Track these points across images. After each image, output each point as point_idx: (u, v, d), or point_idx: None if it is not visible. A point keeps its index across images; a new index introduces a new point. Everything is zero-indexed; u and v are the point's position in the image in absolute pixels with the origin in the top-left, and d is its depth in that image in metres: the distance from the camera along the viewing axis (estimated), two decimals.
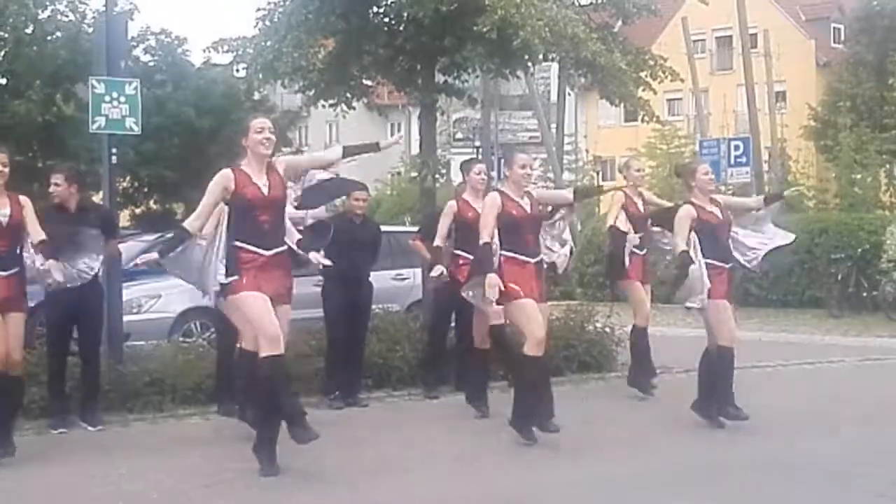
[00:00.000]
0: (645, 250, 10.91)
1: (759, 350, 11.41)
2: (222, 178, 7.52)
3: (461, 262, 9.87)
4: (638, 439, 9.05)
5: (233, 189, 7.48)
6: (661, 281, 12.08)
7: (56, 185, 9.36)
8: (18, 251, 8.23)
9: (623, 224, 10.79)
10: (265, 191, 7.53)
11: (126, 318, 11.07)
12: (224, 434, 8.75)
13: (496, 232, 8.32)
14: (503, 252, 8.35)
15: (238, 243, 7.48)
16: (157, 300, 13.21)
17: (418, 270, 12.93)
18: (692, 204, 9.19)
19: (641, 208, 10.98)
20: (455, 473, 7.86)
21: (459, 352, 10.67)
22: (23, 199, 8.28)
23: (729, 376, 9.18)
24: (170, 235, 7.87)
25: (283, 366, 7.52)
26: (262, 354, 7.39)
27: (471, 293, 8.46)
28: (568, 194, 9.26)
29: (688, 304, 9.01)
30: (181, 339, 12.36)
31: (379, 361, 11.19)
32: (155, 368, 10.26)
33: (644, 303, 10.93)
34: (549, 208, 8.98)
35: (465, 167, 10.35)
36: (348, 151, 8.20)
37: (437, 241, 10.05)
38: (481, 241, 8.33)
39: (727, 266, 9.19)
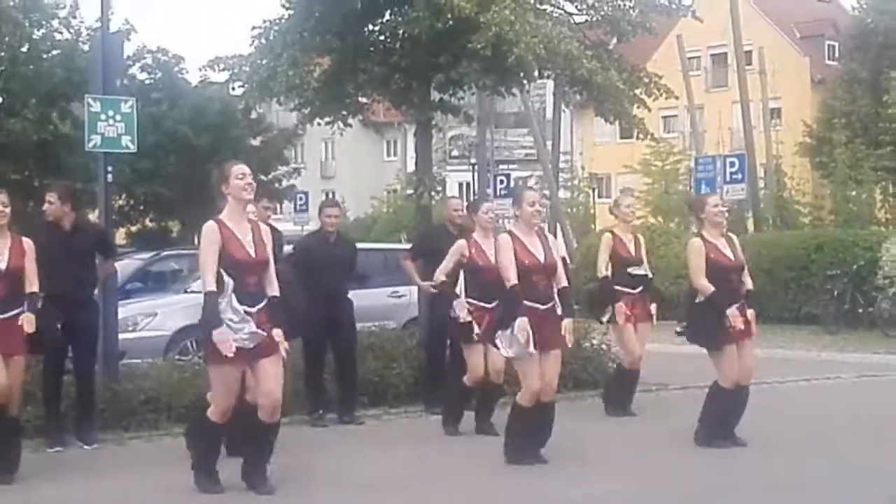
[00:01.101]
0: (640, 288, 10.79)
1: (756, 367, 11.33)
2: (212, 234, 7.34)
3: (473, 310, 9.57)
4: (634, 457, 9.02)
5: (221, 245, 7.31)
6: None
7: (50, 202, 9.33)
8: (19, 293, 8.09)
9: (604, 268, 10.72)
10: (252, 252, 7.39)
11: (122, 336, 11.05)
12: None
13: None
14: None
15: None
16: (152, 318, 13.23)
17: (415, 288, 12.92)
18: (702, 238, 8.98)
19: (632, 250, 10.82)
20: (451, 491, 7.83)
21: (453, 370, 10.61)
22: (27, 242, 8.21)
23: (740, 411, 9.11)
24: (204, 307, 7.38)
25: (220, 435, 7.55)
26: (213, 419, 7.45)
27: (500, 342, 8.25)
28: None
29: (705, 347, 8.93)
30: (177, 357, 12.37)
31: (375, 379, 11.17)
32: (151, 386, 10.23)
33: (630, 345, 10.76)
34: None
35: (473, 207, 10.18)
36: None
37: (440, 275, 9.83)
38: (508, 285, 8.17)
39: (738, 307, 8.90)
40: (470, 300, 9.61)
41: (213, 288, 7.21)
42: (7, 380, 7.92)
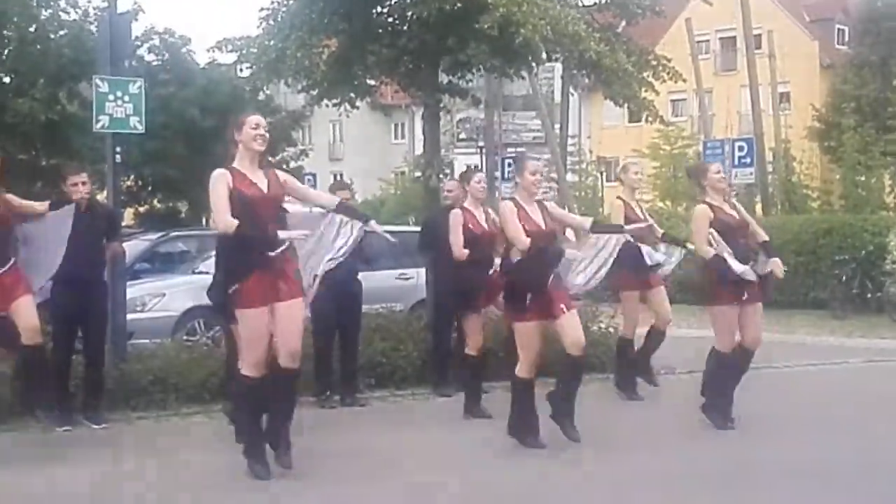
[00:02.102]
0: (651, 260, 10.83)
1: (763, 351, 11.31)
2: (221, 176, 7.36)
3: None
4: (641, 440, 9.03)
5: (230, 185, 7.32)
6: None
7: (83, 183, 9.30)
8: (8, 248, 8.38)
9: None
10: (264, 189, 7.44)
11: (130, 316, 11.09)
12: (228, 433, 8.73)
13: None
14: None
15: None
16: (160, 299, 13.26)
17: (422, 270, 12.93)
18: (707, 204, 9.09)
19: (640, 214, 10.91)
20: (458, 473, 7.84)
21: (460, 353, 10.64)
22: (9, 197, 8.47)
23: (738, 377, 9.17)
24: (255, 239, 7.36)
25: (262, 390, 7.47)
26: (246, 373, 7.42)
27: (568, 280, 8.35)
28: (585, 223, 8.86)
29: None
30: (185, 337, 12.39)
31: (382, 361, 11.20)
32: (159, 367, 10.27)
33: (631, 314, 10.94)
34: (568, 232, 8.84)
35: (465, 176, 10.36)
36: (341, 208, 7.82)
37: (457, 253, 9.87)
38: (522, 248, 8.17)
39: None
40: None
41: (235, 222, 7.20)
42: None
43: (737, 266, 8.79)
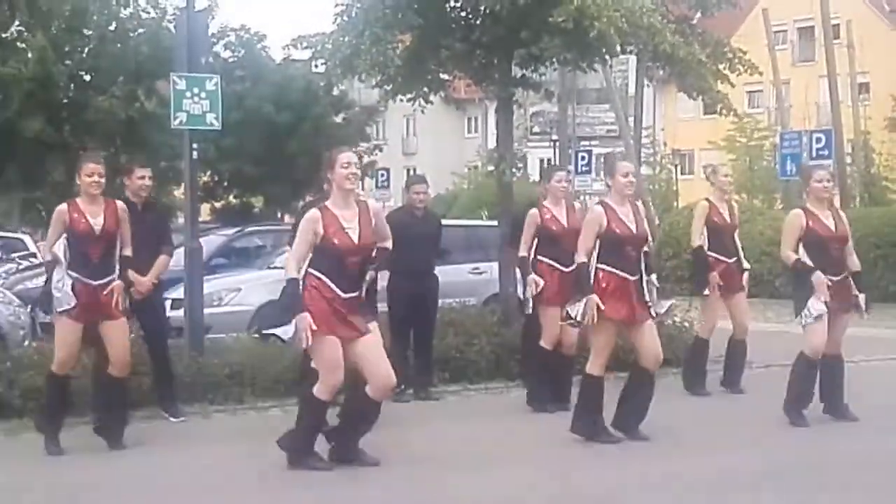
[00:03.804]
0: (734, 258, 10.80)
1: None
2: (311, 223, 7.45)
3: (543, 268, 9.83)
4: (718, 435, 8.97)
5: (322, 233, 7.42)
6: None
7: (149, 178, 9.44)
8: (113, 260, 8.29)
9: (698, 237, 10.68)
10: (355, 237, 7.47)
11: (207, 310, 11.23)
12: None
13: (596, 245, 8.26)
14: (601, 266, 8.28)
15: (316, 274, 7.42)
16: (237, 293, 13.41)
17: (495, 265, 12.92)
18: (804, 210, 8.94)
19: (727, 217, 10.83)
20: (528, 468, 7.83)
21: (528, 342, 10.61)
22: (120, 206, 8.42)
23: (833, 384, 9.12)
24: (284, 291, 7.64)
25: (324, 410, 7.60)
26: (318, 396, 7.50)
27: (570, 312, 8.35)
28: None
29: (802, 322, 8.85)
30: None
31: (456, 355, 11.22)
32: (235, 361, 10.39)
33: (711, 315, 10.85)
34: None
35: (546, 174, 10.35)
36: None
37: (523, 252, 9.96)
38: (578, 261, 8.29)
39: (837, 279, 8.90)
40: (543, 259, 9.83)
41: (295, 275, 7.35)
42: (125, 350, 8.27)
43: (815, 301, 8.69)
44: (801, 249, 8.81)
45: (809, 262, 8.76)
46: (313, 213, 7.51)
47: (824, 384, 9.09)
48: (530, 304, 9.89)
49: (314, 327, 7.24)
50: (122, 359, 8.30)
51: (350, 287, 7.46)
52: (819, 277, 8.69)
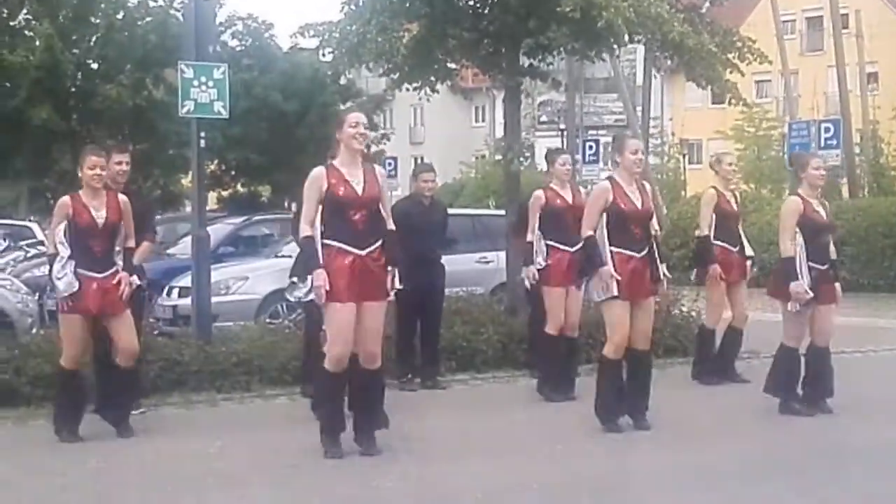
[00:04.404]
0: (738, 247, 10.78)
1: (850, 335, 11.18)
2: (316, 179, 7.49)
3: (551, 250, 9.85)
4: (725, 424, 8.98)
5: (325, 188, 7.44)
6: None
7: (127, 164, 9.02)
8: (115, 252, 8.28)
9: (706, 226, 10.67)
10: (359, 189, 7.50)
11: (214, 299, 11.24)
12: (309, 414, 8.83)
13: (602, 222, 8.25)
14: (609, 248, 8.27)
15: (330, 242, 7.44)
16: (244, 282, 13.43)
17: (502, 254, 12.93)
18: (800, 197, 8.93)
19: (735, 206, 10.84)
20: (537, 457, 7.83)
21: (533, 336, 10.62)
22: (122, 198, 8.38)
23: (821, 375, 9.04)
24: (301, 253, 7.71)
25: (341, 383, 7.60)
26: (327, 367, 7.50)
27: (595, 295, 8.35)
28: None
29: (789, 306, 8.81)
30: (268, 320, 12.53)
31: (463, 344, 11.22)
32: (243, 349, 10.40)
33: (717, 306, 10.82)
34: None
35: (550, 157, 10.32)
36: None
37: (529, 236, 10.00)
38: (584, 235, 8.29)
39: (824, 268, 8.88)
40: (548, 241, 9.85)
41: (310, 233, 7.40)
42: (132, 340, 8.28)
43: (799, 282, 8.66)
44: (798, 237, 8.79)
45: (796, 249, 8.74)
46: (318, 169, 7.55)
47: (808, 373, 9.07)
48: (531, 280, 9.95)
49: (327, 287, 7.28)
50: (130, 349, 8.32)
51: (366, 242, 7.44)
52: (796, 287, 8.65)
